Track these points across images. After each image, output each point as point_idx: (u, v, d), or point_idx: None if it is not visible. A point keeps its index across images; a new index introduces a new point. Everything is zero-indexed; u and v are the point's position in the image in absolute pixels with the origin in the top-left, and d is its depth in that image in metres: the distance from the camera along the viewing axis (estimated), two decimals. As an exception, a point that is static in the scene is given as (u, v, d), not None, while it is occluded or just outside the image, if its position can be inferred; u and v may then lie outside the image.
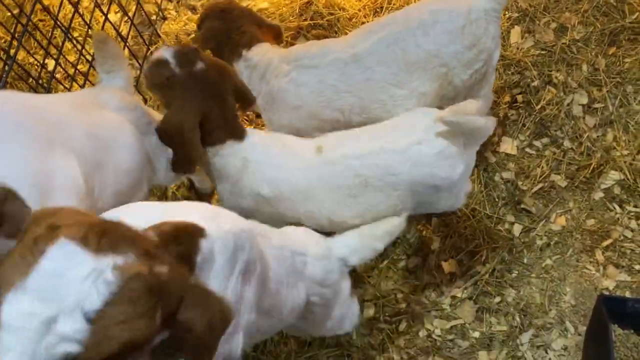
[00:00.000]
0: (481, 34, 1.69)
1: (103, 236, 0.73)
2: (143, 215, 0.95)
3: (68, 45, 2.23)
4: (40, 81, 1.97)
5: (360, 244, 1.56)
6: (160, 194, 2.07)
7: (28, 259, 0.70)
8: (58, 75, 2.20)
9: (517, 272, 1.99)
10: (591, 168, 2.07)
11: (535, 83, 2.18)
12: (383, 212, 1.62)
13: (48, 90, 1.82)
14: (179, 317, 0.77)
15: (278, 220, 1.61)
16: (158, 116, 1.64)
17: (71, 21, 1.83)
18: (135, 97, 1.66)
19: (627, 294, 1.93)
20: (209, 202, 2.06)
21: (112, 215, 0.98)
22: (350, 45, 1.75)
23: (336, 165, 1.58)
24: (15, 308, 0.68)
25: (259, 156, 1.59)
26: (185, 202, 1.18)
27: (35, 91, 1.94)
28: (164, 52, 1.47)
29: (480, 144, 1.66)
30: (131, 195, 1.40)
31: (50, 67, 2.01)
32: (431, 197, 1.64)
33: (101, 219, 0.82)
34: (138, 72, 2.18)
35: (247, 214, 1.45)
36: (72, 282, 0.69)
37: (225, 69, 1.57)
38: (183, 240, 0.91)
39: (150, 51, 2.21)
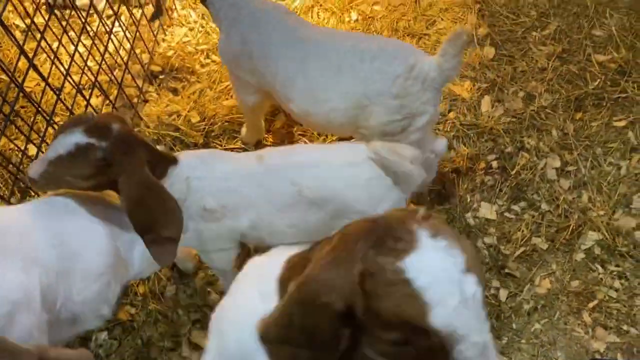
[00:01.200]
0: (412, 93, 1.73)
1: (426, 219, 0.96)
2: None
3: (49, 130, 2.27)
4: (21, 167, 1.99)
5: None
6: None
7: (415, 295, 0.86)
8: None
9: (507, 338, 1.99)
10: (570, 229, 2.12)
11: (509, 149, 2.26)
12: (314, 226, 1.64)
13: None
14: None
15: (224, 238, 1.67)
16: None
17: (54, 108, 1.88)
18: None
19: (619, 356, 1.93)
20: (193, 280, 2.05)
21: None
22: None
23: (275, 172, 1.61)
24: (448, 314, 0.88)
25: (199, 172, 1.60)
26: None
27: (16, 177, 1.96)
28: (74, 138, 1.37)
29: (409, 191, 1.64)
30: (100, 301, 1.39)
31: (31, 153, 2.04)
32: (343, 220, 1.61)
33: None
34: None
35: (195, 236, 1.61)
36: (445, 267, 0.89)
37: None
38: None
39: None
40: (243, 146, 2.28)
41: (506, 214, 2.18)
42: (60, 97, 1.87)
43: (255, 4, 1.88)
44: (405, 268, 0.86)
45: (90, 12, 2.25)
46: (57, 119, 2.28)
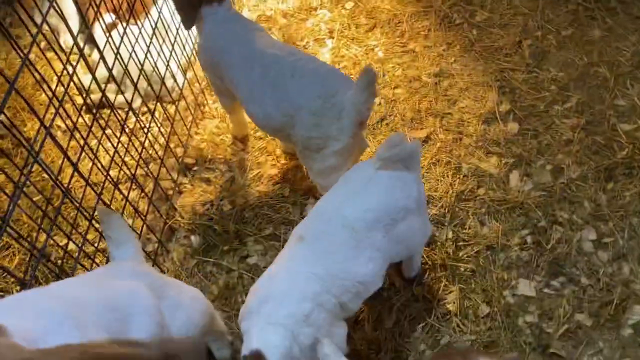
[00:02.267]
0: (328, 116, 1.99)
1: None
2: None
3: (85, 223, 2.37)
4: (62, 263, 2.07)
5: None
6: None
7: None
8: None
9: None
10: (614, 304, 2.06)
11: (542, 223, 2.26)
12: (385, 249, 1.79)
13: (71, 274, 1.90)
14: None
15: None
16: (172, 280, 1.72)
17: (95, 208, 1.97)
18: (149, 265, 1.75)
19: None
20: (229, 372, 2.03)
21: None
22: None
23: (321, 235, 1.74)
24: None
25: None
26: None
27: (56, 274, 2.02)
28: None
29: (417, 166, 1.89)
30: None
31: (71, 247, 2.11)
32: (405, 224, 1.81)
33: None
34: (156, 245, 2.28)
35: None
36: None
37: None
38: None
39: (167, 224, 2.33)
40: (275, 232, 2.32)
41: (545, 290, 2.14)
42: (101, 193, 1.96)
43: (235, 22, 2.23)
44: None
45: (126, 109, 2.40)
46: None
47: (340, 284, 1.72)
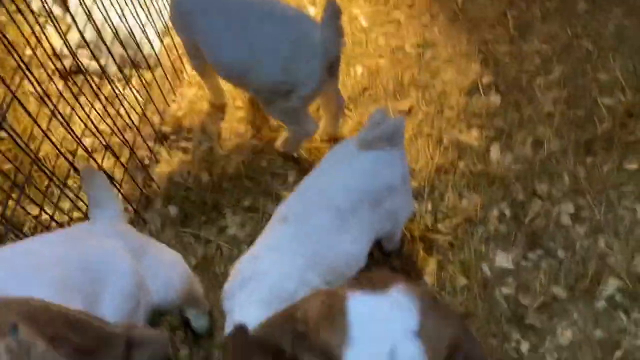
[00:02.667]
0: (298, 60, 1.97)
1: (370, 283, 0.86)
2: None
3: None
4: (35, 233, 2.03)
5: None
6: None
7: (339, 321, 0.82)
8: (53, 224, 2.27)
9: (531, 393, 1.93)
10: (589, 277, 2.10)
11: (521, 196, 2.26)
12: (369, 226, 1.78)
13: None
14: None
15: None
16: (152, 240, 1.71)
17: (67, 176, 1.92)
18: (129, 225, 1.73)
19: (649, 409, 1.87)
20: (207, 343, 2.03)
21: None
22: None
23: (305, 215, 1.71)
24: (361, 356, 0.78)
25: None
26: None
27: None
28: None
29: (402, 141, 1.84)
30: (131, 320, 1.40)
31: (44, 218, 2.06)
32: (389, 202, 1.80)
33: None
34: (132, 215, 2.25)
35: None
36: (385, 318, 0.80)
37: None
38: None
39: (143, 194, 2.29)
40: (254, 203, 2.30)
41: (523, 262, 2.16)
42: (74, 161, 1.92)
43: None
44: (349, 305, 0.84)
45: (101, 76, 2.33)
46: (70, 182, 2.32)
47: (326, 264, 1.70)
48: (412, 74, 2.65)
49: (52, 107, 1.83)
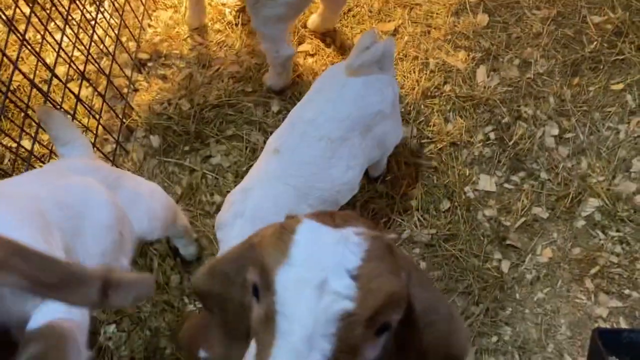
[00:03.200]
0: None
1: (332, 217, 0.84)
2: None
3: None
4: (15, 165, 2.00)
5: None
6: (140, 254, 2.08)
7: (284, 241, 0.81)
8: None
9: (510, 308, 2.03)
10: (570, 197, 2.14)
11: (506, 119, 2.26)
12: (362, 153, 1.78)
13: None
14: (412, 290, 0.84)
15: None
16: (128, 173, 1.70)
17: (45, 102, 1.87)
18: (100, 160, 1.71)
19: (621, 320, 1.98)
20: (197, 268, 2.07)
21: None
22: None
23: (295, 149, 1.70)
24: (289, 280, 0.77)
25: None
26: None
27: (10, 175, 1.96)
28: None
29: (392, 66, 1.83)
30: (117, 252, 1.42)
31: (21, 151, 2.03)
32: (379, 128, 1.80)
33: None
34: (114, 145, 2.22)
35: None
36: (327, 249, 0.78)
37: None
38: None
39: (123, 124, 2.25)
40: (237, 132, 2.27)
41: (505, 185, 2.20)
42: (50, 91, 1.85)
43: None
44: (298, 228, 0.82)
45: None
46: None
47: (318, 195, 1.71)
48: (398, -7, 2.55)
49: (20, 34, 1.74)
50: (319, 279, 0.75)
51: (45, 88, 1.94)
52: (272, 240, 0.82)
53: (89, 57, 2.08)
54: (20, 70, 1.68)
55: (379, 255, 0.79)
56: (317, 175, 1.70)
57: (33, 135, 1.83)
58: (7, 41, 1.87)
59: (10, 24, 1.68)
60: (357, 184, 1.81)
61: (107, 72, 2.19)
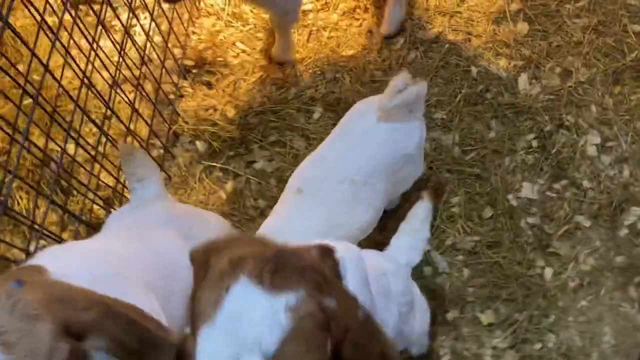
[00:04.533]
0: None
1: (276, 273, 0.83)
2: None
3: (85, 129, 2.33)
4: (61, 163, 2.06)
5: (411, 241, 1.67)
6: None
7: (216, 296, 0.82)
8: (79, 159, 2.30)
9: (554, 316, 2.05)
10: (613, 206, 2.16)
11: (548, 127, 2.29)
12: (385, 193, 1.80)
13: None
14: (344, 352, 0.84)
15: None
16: (197, 211, 1.76)
17: (79, 107, 1.92)
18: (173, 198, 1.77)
19: (666, 329, 2.00)
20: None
21: None
22: None
23: (319, 188, 1.72)
24: (207, 345, 0.79)
25: None
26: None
27: (58, 175, 2.00)
28: None
29: (422, 107, 1.82)
30: None
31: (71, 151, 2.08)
32: (404, 170, 1.83)
33: (273, 248, 0.91)
34: (161, 151, 2.27)
35: None
36: (251, 323, 0.78)
37: None
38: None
39: (171, 130, 2.31)
40: (280, 138, 2.32)
41: (548, 193, 2.22)
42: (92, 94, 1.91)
43: None
44: (231, 290, 0.82)
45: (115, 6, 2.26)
46: (92, 116, 2.31)
47: (339, 234, 1.74)
48: (438, 1, 2.58)
49: (68, 38, 1.80)
50: (232, 354, 0.77)
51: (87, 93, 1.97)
52: (211, 284, 0.84)
53: (136, 62, 2.13)
54: (51, 75, 1.71)
55: (305, 335, 0.79)
56: (339, 216, 1.73)
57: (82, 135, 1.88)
58: (53, 44, 1.92)
59: (42, 20, 1.68)
60: (376, 220, 1.84)
61: (157, 77, 2.25)
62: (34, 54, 1.57)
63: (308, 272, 0.85)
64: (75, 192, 2.21)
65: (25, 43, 1.61)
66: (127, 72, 2.14)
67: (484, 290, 2.09)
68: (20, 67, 2.20)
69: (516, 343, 2.02)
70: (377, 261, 1.52)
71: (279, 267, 0.83)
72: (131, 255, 1.29)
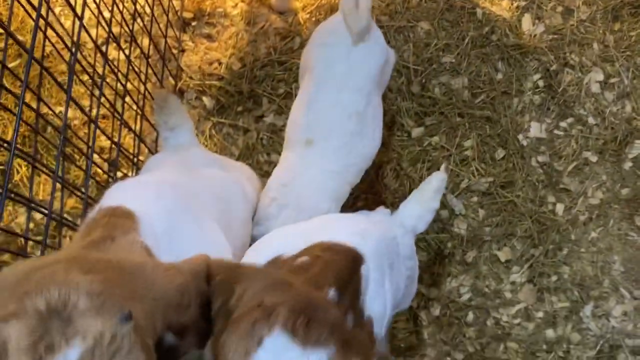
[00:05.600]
0: None
1: (310, 326, 0.82)
2: (287, 242, 1.05)
3: (81, 89, 2.23)
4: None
5: (421, 209, 1.69)
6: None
7: (247, 346, 0.80)
8: (76, 122, 2.21)
9: (567, 249, 2.15)
10: (617, 140, 2.25)
11: (554, 67, 2.33)
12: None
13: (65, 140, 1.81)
14: None
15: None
16: (226, 160, 1.75)
17: (104, 68, 1.83)
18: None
19: (672, 254, 2.13)
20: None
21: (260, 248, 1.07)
22: None
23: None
24: None
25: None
26: (322, 220, 1.26)
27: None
28: None
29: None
30: (247, 240, 1.47)
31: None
32: (385, 70, 1.86)
33: (303, 294, 0.89)
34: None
35: None
36: None
37: None
38: (351, 281, 1.00)
39: (176, 86, 2.24)
40: (288, 90, 2.28)
41: (555, 131, 2.29)
42: (82, 51, 1.81)
43: None
44: (263, 344, 0.81)
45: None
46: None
47: (355, 170, 1.78)
48: (437, -58, 2.54)
49: None
50: None
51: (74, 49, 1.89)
52: (240, 332, 0.82)
53: (134, 15, 2.03)
54: (51, 30, 1.62)
55: None
56: (352, 152, 1.75)
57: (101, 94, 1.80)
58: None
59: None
60: (381, 139, 1.85)
61: (163, 31, 2.15)
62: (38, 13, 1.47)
63: (337, 328, 0.86)
64: (77, 158, 2.14)
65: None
66: (115, 29, 2.03)
67: (500, 229, 2.17)
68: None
69: (533, 277, 2.12)
70: (388, 225, 1.58)
71: (311, 320, 0.83)
72: (194, 188, 1.28)
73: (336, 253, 1.02)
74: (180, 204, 1.15)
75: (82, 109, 1.80)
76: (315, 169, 1.72)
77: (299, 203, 1.68)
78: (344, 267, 0.99)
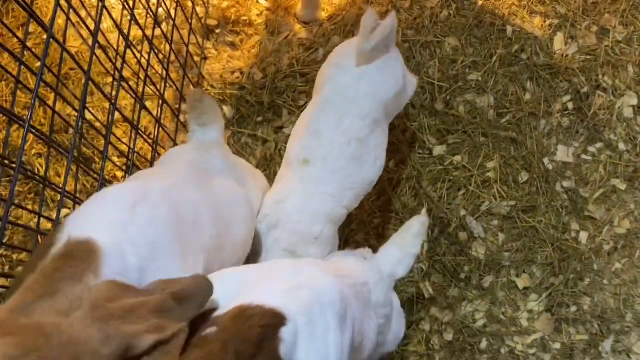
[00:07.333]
0: None
1: None
2: (222, 287, 1.08)
3: (98, 94, 2.26)
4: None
5: (400, 254, 1.66)
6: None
7: None
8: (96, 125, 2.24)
9: (589, 279, 2.10)
10: (648, 168, 2.18)
11: (585, 89, 2.27)
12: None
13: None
14: None
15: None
16: (243, 162, 1.75)
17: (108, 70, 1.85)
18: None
19: (700, 291, 2.05)
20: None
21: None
22: None
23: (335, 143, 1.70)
24: None
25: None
26: (265, 269, 1.26)
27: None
28: None
29: (393, 41, 1.79)
30: (241, 259, 1.46)
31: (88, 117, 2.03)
32: (398, 101, 1.83)
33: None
34: (187, 116, 2.22)
35: None
36: None
37: None
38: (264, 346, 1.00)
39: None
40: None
41: (583, 156, 2.23)
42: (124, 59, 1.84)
43: None
44: None
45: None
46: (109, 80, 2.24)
47: (352, 195, 1.75)
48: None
49: None
50: None
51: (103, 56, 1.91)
52: None
53: (158, 21, 2.05)
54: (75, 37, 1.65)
55: None
56: (350, 177, 1.72)
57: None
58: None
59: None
60: (384, 165, 1.83)
61: (184, 39, 2.17)
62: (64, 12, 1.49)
63: None
64: (97, 160, 2.17)
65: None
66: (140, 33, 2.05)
67: (520, 255, 2.13)
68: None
69: (552, 306, 2.07)
70: (361, 269, 1.54)
71: None
72: (194, 205, 1.25)
73: (248, 319, 1.01)
74: (167, 231, 1.11)
75: (94, 115, 1.83)
76: (310, 189, 1.70)
77: (289, 224, 1.67)
78: (252, 339, 0.98)
